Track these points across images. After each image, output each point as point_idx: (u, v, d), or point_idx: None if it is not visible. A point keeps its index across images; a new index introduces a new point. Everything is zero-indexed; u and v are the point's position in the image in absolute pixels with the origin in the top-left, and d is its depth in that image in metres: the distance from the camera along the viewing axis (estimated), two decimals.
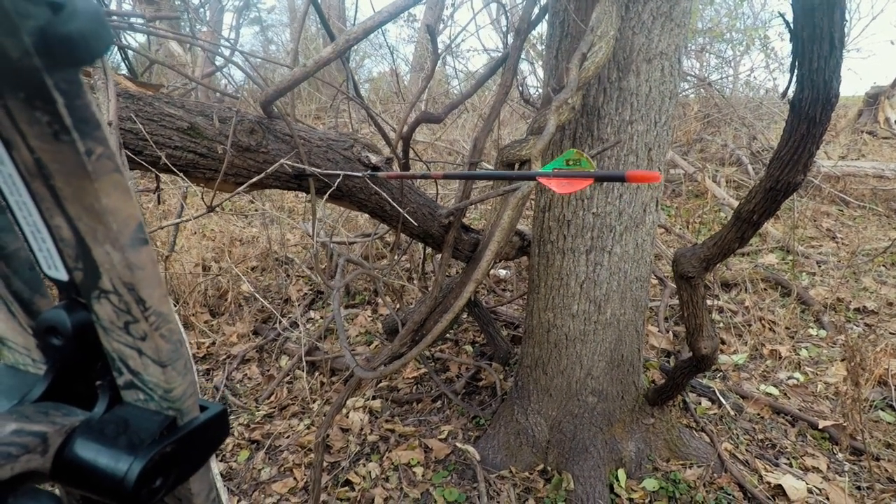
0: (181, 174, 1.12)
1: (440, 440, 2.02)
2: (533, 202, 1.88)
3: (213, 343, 2.71)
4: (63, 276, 0.28)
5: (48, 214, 0.25)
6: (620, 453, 1.84)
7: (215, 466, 0.94)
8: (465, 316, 2.71)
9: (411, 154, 1.82)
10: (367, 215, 3.78)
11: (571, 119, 1.58)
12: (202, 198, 1.19)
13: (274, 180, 1.28)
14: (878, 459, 1.90)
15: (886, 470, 1.86)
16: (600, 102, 1.56)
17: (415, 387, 2.37)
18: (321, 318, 2.98)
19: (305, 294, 3.24)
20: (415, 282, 2.89)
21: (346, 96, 1.56)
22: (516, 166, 1.49)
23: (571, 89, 1.23)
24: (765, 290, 3.15)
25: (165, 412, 0.30)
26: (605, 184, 1.66)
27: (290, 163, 1.16)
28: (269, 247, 3.57)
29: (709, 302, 2.94)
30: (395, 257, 2.20)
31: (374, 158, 1.25)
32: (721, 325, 2.80)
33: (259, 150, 1.23)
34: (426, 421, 2.15)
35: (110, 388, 0.30)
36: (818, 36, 0.79)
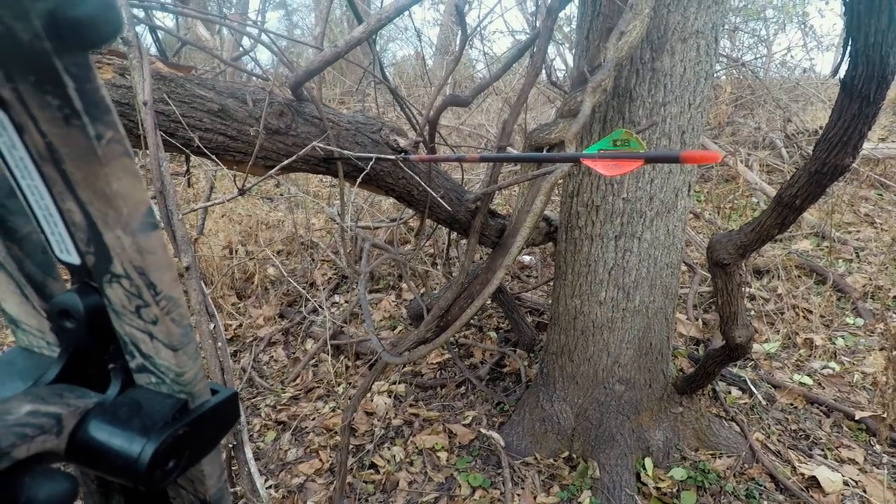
0: (213, 157, 1.13)
1: (464, 425, 2.03)
2: (560, 188, 1.85)
3: (241, 325, 2.76)
4: (75, 259, 0.28)
5: (60, 199, 0.25)
6: (647, 442, 1.81)
7: (248, 450, 0.95)
8: (489, 302, 2.70)
9: (437, 139, 1.80)
10: (391, 200, 3.76)
11: (602, 101, 1.54)
12: (234, 180, 1.20)
13: (303, 164, 1.28)
14: None
15: None
16: (633, 84, 1.51)
17: (439, 372, 2.37)
18: (346, 302, 3.01)
19: (330, 278, 3.27)
20: (439, 267, 2.88)
21: (373, 78, 1.54)
22: (545, 150, 1.45)
23: (608, 70, 1.19)
24: (799, 277, 3.06)
25: (177, 395, 0.30)
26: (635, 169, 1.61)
27: (321, 146, 1.15)
28: (295, 231, 3.60)
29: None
30: (420, 242, 2.19)
31: (402, 142, 1.24)
32: (753, 312, 2.73)
33: (289, 132, 1.22)
34: (450, 406, 2.15)
35: (123, 371, 0.31)
36: (876, 8, 0.74)
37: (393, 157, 1.18)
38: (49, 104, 0.21)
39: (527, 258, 3.39)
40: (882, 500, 1.65)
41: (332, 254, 3.34)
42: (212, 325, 0.90)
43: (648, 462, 1.78)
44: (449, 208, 1.33)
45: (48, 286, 0.32)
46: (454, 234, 2.78)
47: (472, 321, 2.65)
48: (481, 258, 2.56)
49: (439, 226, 2.81)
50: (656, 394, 1.84)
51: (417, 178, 1.27)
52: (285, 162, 1.16)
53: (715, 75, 6.11)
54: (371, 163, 1.19)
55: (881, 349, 2.35)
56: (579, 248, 1.72)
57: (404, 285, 3.18)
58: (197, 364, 0.31)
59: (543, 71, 2.61)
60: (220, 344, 0.90)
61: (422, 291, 2.76)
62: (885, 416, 1.94)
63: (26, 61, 0.20)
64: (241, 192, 1.14)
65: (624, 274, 1.68)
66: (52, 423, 0.27)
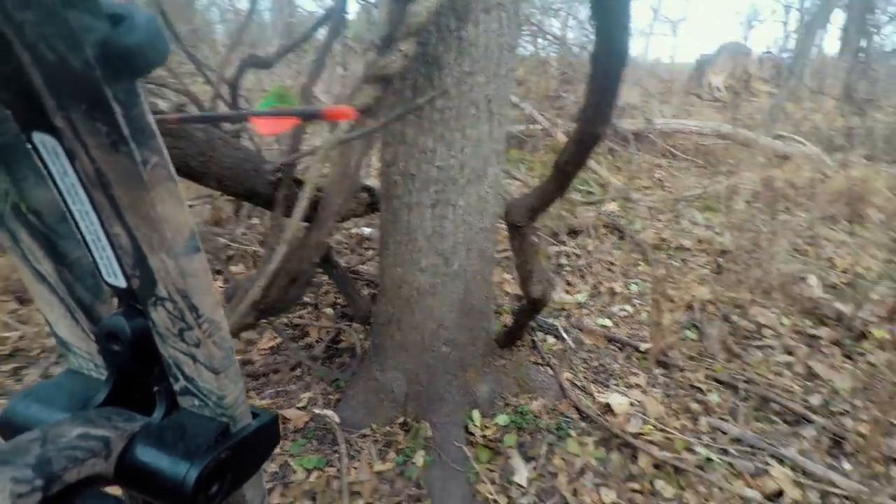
0: None
1: (299, 408, 1.96)
2: (377, 157, 1.83)
3: (22, 336, 2.32)
4: (122, 283, 0.29)
5: (108, 223, 0.26)
6: (475, 395, 1.94)
7: None
8: (325, 278, 2.63)
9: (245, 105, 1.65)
10: None
11: (411, 68, 1.54)
12: None
13: None
14: (682, 370, 2.24)
15: (689, 378, 2.20)
16: (440, 52, 1.52)
17: (272, 357, 2.26)
18: None
19: None
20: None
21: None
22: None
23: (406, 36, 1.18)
24: (605, 234, 3.49)
25: (219, 419, 0.31)
26: (446, 136, 1.65)
27: None
28: None
29: (557, 248, 3.18)
30: (241, 221, 2.02)
31: (161, 104, 1.09)
32: (568, 268, 3.05)
33: None
34: (284, 392, 2.07)
35: (167, 394, 0.31)
36: None
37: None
38: (98, 131, 0.22)
39: (367, 230, 3.36)
40: (656, 412, 1.99)
41: None
42: None
43: (476, 414, 1.91)
44: (241, 182, 1.23)
45: (96, 309, 0.33)
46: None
47: (307, 299, 2.56)
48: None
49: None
50: (480, 350, 1.97)
51: (194, 149, 1.14)
52: None
53: (543, 51, 6.60)
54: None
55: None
56: (399, 217, 1.73)
57: (233, 267, 2.95)
58: (238, 387, 0.31)
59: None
60: None
61: (254, 272, 2.58)
62: (652, 346, 2.32)
63: (78, 90, 0.21)
64: None
65: (442, 240, 1.74)
66: (101, 447, 0.27)
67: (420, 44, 1.47)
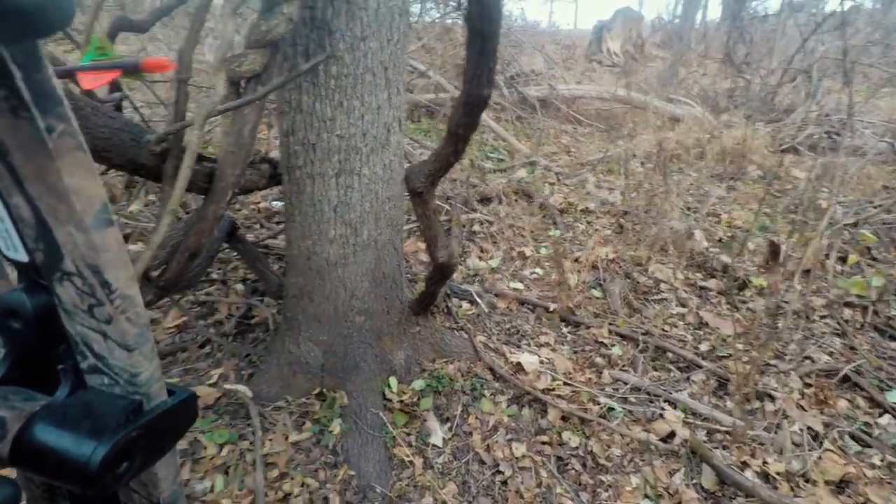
0: None
1: (210, 385, 1.91)
2: (267, 125, 1.77)
3: None
4: (23, 257, 0.27)
5: (6, 193, 0.25)
6: (391, 363, 1.98)
7: None
8: (232, 254, 2.53)
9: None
10: None
11: (301, 33, 1.49)
12: None
13: None
14: (588, 328, 2.41)
15: (594, 334, 2.38)
16: (329, 16, 1.48)
17: (178, 336, 2.16)
18: None
19: None
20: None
21: None
22: (242, 84, 1.35)
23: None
24: (516, 201, 3.61)
25: (131, 396, 0.30)
26: (345, 104, 1.63)
27: None
28: None
29: (470, 215, 3.26)
30: (136, 195, 1.88)
31: None
32: (481, 235, 3.15)
33: None
34: (193, 370, 2.00)
35: (73, 372, 0.30)
36: None
37: None
38: None
39: (277, 204, 3.25)
40: (564, 368, 2.14)
41: None
42: None
43: (393, 380, 1.96)
44: (119, 153, 1.14)
45: None
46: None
47: (214, 275, 2.46)
48: None
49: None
50: (394, 318, 2.00)
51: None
52: None
53: (452, 20, 6.53)
54: None
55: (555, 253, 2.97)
56: (303, 188, 1.70)
57: (132, 247, 2.75)
58: (153, 364, 0.30)
59: None
60: None
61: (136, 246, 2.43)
62: (560, 306, 2.48)
63: None
64: None
65: (349, 210, 1.73)
66: None
67: (307, 7, 1.42)
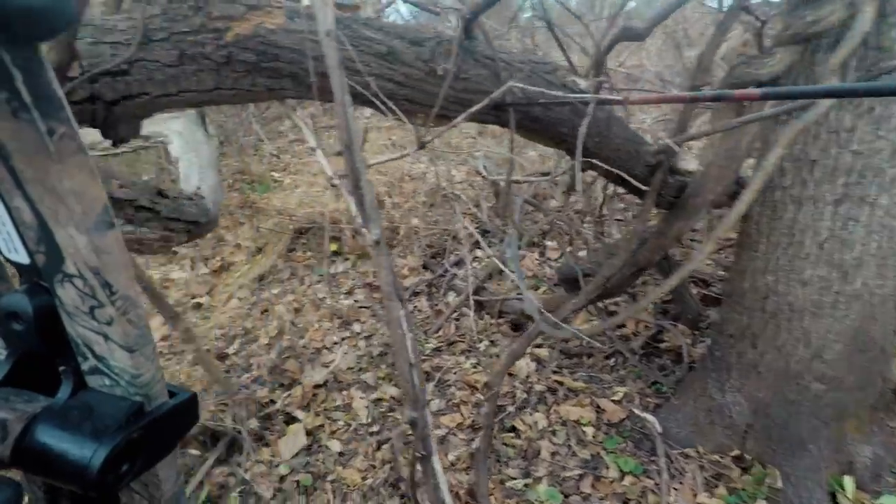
0: (387, 108, 1.03)
1: (614, 401, 1.86)
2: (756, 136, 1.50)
3: None
4: (24, 259, 0.27)
5: (8, 196, 0.25)
6: (851, 456, 1.48)
7: (438, 462, 0.88)
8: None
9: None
10: (533, 152, 3.54)
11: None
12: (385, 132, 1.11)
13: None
14: None
15: None
16: None
17: (586, 339, 2.21)
18: (488, 257, 2.94)
19: (471, 233, 3.22)
20: (589, 226, 2.66)
21: (534, 16, 1.34)
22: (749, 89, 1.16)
23: None
24: None
25: (132, 398, 0.30)
26: (876, 111, 1.23)
27: (519, 88, 0.98)
28: (438, 183, 3.60)
29: None
30: (569, 199, 1.99)
31: (582, 84, 1.04)
32: None
33: (459, 76, 1.09)
34: (598, 378, 2.00)
35: (74, 373, 0.30)
36: None
37: (584, 97, 0.96)
38: None
39: None
40: None
41: (473, 207, 3.27)
42: (401, 312, 0.80)
43: (849, 481, 1.46)
44: (621, 163, 1.13)
45: None
46: (609, 191, 2.52)
47: (627, 288, 2.41)
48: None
49: (593, 182, 2.56)
50: (869, 400, 1.49)
51: (597, 128, 1.07)
52: (473, 109, 1.01)
53: None
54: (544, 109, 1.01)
55: None
56: (780, 213, 1.40)
57: (549, 243, 3.01)
58: (154, 365, 0.30)
59: None
60: (408, 333, 0.80)
61: (568, 250, 2.58)
62: None
63: None
64: (422, 145, 1.04)
65: (843, 248, 1.33)
66: None
67: None
